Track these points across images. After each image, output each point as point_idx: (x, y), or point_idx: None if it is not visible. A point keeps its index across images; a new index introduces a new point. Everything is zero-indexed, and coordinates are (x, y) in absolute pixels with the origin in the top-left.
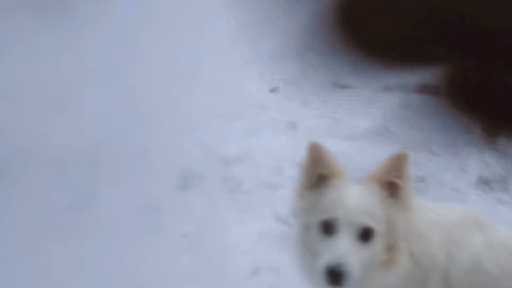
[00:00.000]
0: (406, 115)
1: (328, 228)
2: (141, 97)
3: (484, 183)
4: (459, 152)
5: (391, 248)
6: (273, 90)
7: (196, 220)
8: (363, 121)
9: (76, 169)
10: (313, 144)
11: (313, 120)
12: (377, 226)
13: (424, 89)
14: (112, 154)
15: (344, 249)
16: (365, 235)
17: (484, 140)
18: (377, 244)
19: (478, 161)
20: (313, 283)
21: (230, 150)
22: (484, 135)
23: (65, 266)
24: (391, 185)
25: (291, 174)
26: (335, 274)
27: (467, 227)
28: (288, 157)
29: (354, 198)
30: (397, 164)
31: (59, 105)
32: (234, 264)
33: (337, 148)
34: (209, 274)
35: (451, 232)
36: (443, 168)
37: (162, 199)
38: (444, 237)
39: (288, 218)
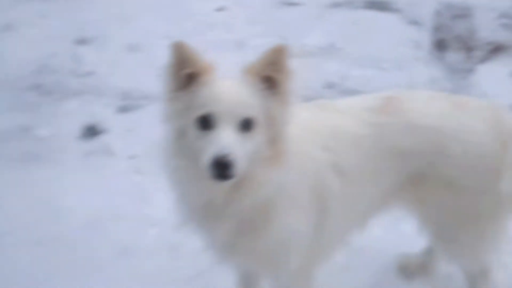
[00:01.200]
0: (354, 31)
1: (206, 123)
2: (87, 21)
3: None
4: (408, 67)
5: (273, 142)
6: (220, 9)
7: (142, 141)
8: (311, 38)
9: (21, 93)
10: (176, 44)
11: (261, 39)
12: (257, 115)
13: (372, 5)
14: (57, 77)
15: (227, 139)
16: (246, 125)
17: (432, 55)
18: (259, 135)
19: (427, 76)
20: (192, 197)
21: None
22: (432, 50)
23: (12, 190)
24: (269, 80)
25: None
26: (222, 165)
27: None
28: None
29: (230, 90)
30: (276, 58)
31: (3, 29)
32: None
33: None
34: (157, 194)
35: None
36: (392, 84)
37: (107, 121)
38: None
39: None
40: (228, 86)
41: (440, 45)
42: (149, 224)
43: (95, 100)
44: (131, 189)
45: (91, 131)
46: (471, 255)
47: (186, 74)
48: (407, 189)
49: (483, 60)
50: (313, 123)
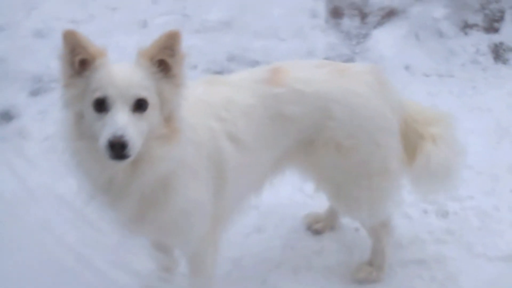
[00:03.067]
0: (252, 4)
1: (102, 106)
2: None
3: None
4: (306, 36)
5: (168, 121)
6: None
7: (56, 122)
8: (212, 14)
9: None
10: (67, 32)
11: (163, 17)
12: (150, 96)
13: None
14: None
15: (121, 121)
16: (139, 106)
17: (329, 23)
18: (153, 115)
19: (325, 43)
20: (93, 177)
21: None
22: (329, 18)
23: None
24: (162, 63)
25: None
26: (117, 146)
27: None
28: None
29: (123, 73)
30: (169, 43)
31: None
32: None
33: (189, 43)
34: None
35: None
36: (292, 53)
37: (20, 106)
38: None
39: None
40: (121, 70)
41: (336, 13)
42: (65, 202)
43: (8, 86)
44: (47, 170)
45: (5, 117)
46: (368, 210)
47: (78, 60)
48: (300, 154)
49: (378, 25)
50: (206, 97)
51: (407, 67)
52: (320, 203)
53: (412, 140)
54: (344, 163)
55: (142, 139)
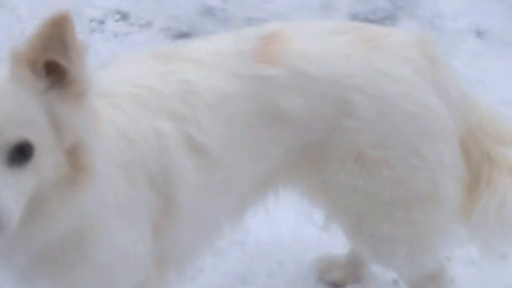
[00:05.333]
0: None
1: None
2: None
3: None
4: None
5: (71, 155)
6: None
7: None
8: None
9: None
10: None
11: None
12: (37, 136)
13: None
14: None
15: None
16: (19, 154)
17: None
18: (45, 160)
19: None
20: None
21: None
22: None
23: None
24: (51, 67)
25: None
26: None
27: None
28: (66, 4)
29: None
30: (57, 34)
31: None
32: None
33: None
34: None
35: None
36: (300, 7)
37: None
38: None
39: None
40: None
41: None
42: None
43: None
44: None
45: None
46: (408, 255)
47: None
48: (301, 168)
49: None
50: (153, 81)
51: (478, 33)
52: (339, 240)
53: (474, 161)
54: (370, 184)
55: (25, 199)
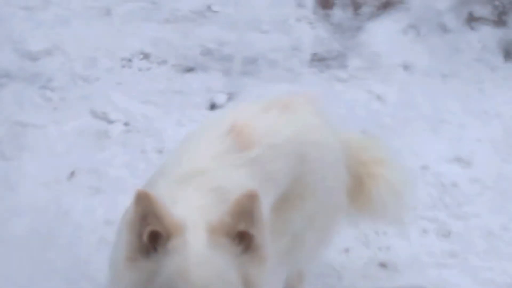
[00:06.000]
0: None
1: None
2: None
3: (319, 60)
4: (290, 29)
5: None
6: None
7: (6, 122)
8: (184, 2)
9: None
10: (141, 194)
11: (129, 4)
12: None
13: None
14: None
15: None
16: None
17: (317, 14)
18: None
19: (312, 37)
20: None
21: (38, 44)
22: (316, 8)
23: None
24: (242, 236)
25: (106, 65)
26: None
27: None
28: (103, 46)
29: (202, 267)
30: (247, 208)
31: None
32: (51, 167)
33: (157, 34)
34: (24, 181)
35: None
36: (274, 48)
37: None
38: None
39: (107, 113)
40: (200, 260)
41: (325, 2)
42: (15, 213)
43: None
44: None
45: None
46: (311, 254)
47: (149, 233)
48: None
49: (373, 17)
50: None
51: (405, 66)
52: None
53: (353, 171)
54: (307, 208)
55: None
